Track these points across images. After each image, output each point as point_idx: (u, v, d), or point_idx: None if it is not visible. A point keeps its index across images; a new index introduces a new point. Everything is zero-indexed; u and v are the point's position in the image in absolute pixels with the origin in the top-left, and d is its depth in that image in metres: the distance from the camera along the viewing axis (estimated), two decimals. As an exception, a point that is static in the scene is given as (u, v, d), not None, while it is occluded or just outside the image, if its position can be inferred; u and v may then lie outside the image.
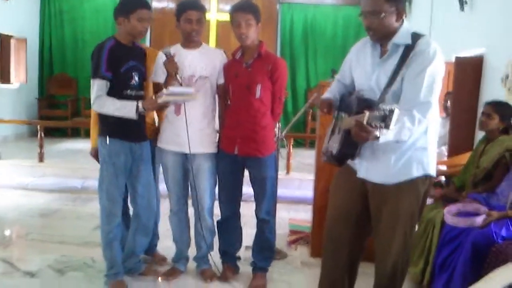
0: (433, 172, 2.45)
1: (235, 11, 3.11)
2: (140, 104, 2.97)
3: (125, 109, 2.98)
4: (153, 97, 3.00)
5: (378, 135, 2.08)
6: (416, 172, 2.38)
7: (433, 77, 2.27)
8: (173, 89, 2.97)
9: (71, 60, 9.93)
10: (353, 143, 2.36)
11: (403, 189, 2.39)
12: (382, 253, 2.51)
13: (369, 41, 2.47)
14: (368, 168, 2.45)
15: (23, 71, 9.16)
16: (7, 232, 4.45)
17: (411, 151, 2.36)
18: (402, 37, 2.33)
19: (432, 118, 2.32)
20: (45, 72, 9.96)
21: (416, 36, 2.33)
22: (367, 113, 2.01)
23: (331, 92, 2.68)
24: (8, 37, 8.80)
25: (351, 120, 2.20)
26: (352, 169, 2.55)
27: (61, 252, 3.87)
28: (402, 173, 2.38)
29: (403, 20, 2.36)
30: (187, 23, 3.15)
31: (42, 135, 6.59)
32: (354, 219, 2.58)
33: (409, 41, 2.31)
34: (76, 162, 6.66)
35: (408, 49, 2.30)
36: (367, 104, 2.28)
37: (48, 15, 9.86)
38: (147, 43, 9.25)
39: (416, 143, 2.35)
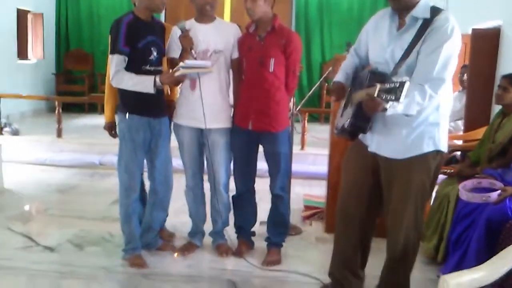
0: (444, 148, 2.45)
1: None
2: (157, 79, 2.99)
3: (143, 83, 3.00)
4: (170, 71, 3.01)
5: (386, 107, 2.08)
6: (427, 148, 2.39)
7: (449, 54, 2.25)
8: (189, 62, 2.97)
9: (87, 35, 9.96)
10: (365, 117, 2.37)
11: (414, 164, 2.40)
12: (394, 227, 2.53)
13: (387, 12, 2.45)
14: (380, 142, 2.47)
15: (40, 46, 9.22)
16: (26, 207, 4.54)
17: (422, 126, 2.36)
18: (421, 11, 2.31)
19: (445, 95, 2.32)
20: (62, 48, 10.02)
21: (435, 11, 2.31)
22: (378, 85, 2.01)
23: (344, 70, 2.67)
24: (25, 12, 8.84)
25: (362, 93, 2.21)
26: (364, 144, 2.57)
27: (79, 227, 3.95)
28: (413, 148, 2.39)
29: None
30: None
31: (60, 110, 6.64)
32: (366, 194, 2.61)
33: (427, 15, 2.29)
34: (94, 138, 6.72)
35: (426, 23, 2.28)
36: (378, 77, 2.28)
37: (64, -11, 9.86)
38: (162, 18, 9.23)
39: (428, 118, 2.35)
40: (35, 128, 7.55)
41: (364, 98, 2.17)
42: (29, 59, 9.09)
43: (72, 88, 9.79)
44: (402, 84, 1.92)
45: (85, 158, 6.19)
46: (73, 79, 10.06)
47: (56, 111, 6.66)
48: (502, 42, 4.87)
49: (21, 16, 8.73)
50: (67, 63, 9.99)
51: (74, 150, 6.48)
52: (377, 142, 2.48)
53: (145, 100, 3.05)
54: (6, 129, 6.87)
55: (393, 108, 2.09)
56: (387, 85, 1.97)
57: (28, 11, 8.91)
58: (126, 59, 3.01)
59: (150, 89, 3.00)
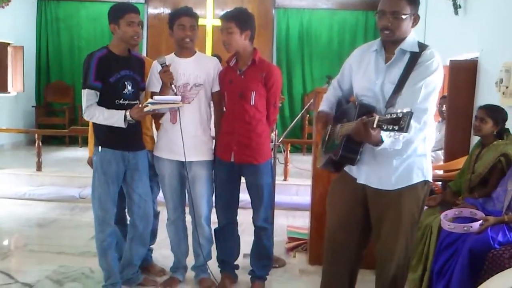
0: (430, 178, 2.50)
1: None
2: (127, 113, 2.99)
3: (113, 118, 3.01)
4: (139, 106, 3.01)
5: (383, 139, 2.11)
6: (416, 178, 2.43)
7: (433, 87, 2.31)
8: (158, 97, 3.01)
9: (67, 67, 9.91)
10: (354, 148, 2.38)
11: (404, 195, 2.43)
12: (385, 258, 2.54)
13: (372, 46, 2.50)
14: (369, 174, 2.48)
15: (20, 79, 9.14)
16: (5, 243, 4.44)
17: (412, 157, 2.41)
18: (409, 45, 2.37)
19: (430, 127, 2.38)
20: (42, 80, 9.95)
21: (422, 46, 2.38)
22: (377, 116, 2.01)
23: (327, 101, 2.70)
24: (5, 45, 8.79)
25: (355, 124, 2.20)
26: (350, 176, 2.57)
27: (59, 262, 3.86)
28: (404, 179, 2.42)
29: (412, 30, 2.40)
30: (181, 29, 3.17)
31: (40, 144, 6.56)
32: (355, 227, 2.60)
33: (416, 49, 2.36)
34: (74, 171, 6.65)
35: (415, 57, 2.34)
36: (368, 109, 2.31)
37: (44, 22, 9.85)
38: (143, 51, 9.28)
39: (416, 149, 2.40)
40: (14, 161, 7.44)
41: (356, 128, 2.16)
42: (9, 92, 9.01)
43: (53, 120, 9.70)
44: (407, 114, 1.91)
45: (65, 191, 6.10)
46: (53, 112, 9.98)
47: (36, 144, 6.58)
48: (479, 74, 4.98)
49: (1, 48, 8.68)
50: (47, 96, 9.91)
51: (54, 184, 6.38)
52: (366, 174, 2.49)
53: (118, 134, 3.05)
54: (-16, 162, 6.76)
55: (394, 138, 2.10)
56: (388, 116, 1.96)
57: (8, 44, 8.86)
58: (98, 93, 3.02)
59: (121, 124, 3.00)
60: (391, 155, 2.38)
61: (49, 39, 9.88)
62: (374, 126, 2.01)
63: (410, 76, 2.31)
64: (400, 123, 1.91)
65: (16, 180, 6.43)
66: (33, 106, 9.69)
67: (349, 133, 2.28)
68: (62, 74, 9.94)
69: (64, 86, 9.88)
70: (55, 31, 9.88)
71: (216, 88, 3.29)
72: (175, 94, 3.08)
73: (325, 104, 2.70)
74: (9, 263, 3.89)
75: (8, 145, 8.85)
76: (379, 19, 2.37)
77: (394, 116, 1.93)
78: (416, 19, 2.38)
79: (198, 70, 3.23)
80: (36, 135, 6.70)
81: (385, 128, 1.96)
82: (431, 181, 2.53)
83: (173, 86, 3.08)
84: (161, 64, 3.10)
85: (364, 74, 2.50)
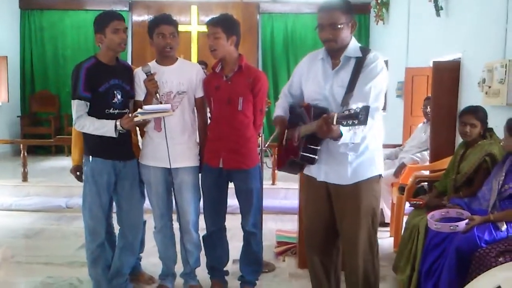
0: (382, 172, 2.69)
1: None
2: (118, 123, 2.98)
3: (104, 128, 3.00)
4: (130, 115, 3.00)
5: (341, 134, 2.27)
6: (370, 173, 2.61)
7: (380, 88, 2.50)
8: (147, 107, 3.00)
9: (52, 77, 9.87)
10: (313, 149, 2.52)
11: (361, 188, 2.60)
12: (350, 254, 2.68)
13: (318, 55, 2.68)
14: (327, 171, 2.64)
15: (4, 89, 9.06)
16: (-9, 255, 4.39)
17: (366, 153, 2.58)
18: (352, 51, 2.56)
19: (380, 125, 2.57)
20: (27, 90, 9.88)
21: (364, 50, 2.58)
22: (335, 114, 2.17)
23: (281, 108, 2.88)
24: (-11, 55, 8.73)
25: (313, 125, 2.36)
26: (310, 176, 2.73)
27: (47, 273, 3.83)
28: (359, 173, 2.59)
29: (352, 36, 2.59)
30: (161, 37, 3.16)
31: (25, 154, 6.51)
32: (327, 224, 2.74)
33: (359, 54, 2.54)
34: (61, 180, 6.59)
35: (360, 61, 2.51)
36: (321, 111, 2.45)
37: (28, 31, 9.81)
38: (128, 58, 9.25)
39: (369, 146, 2.57)
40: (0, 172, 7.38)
41: (320, 126, 2.26)
42: (-7, 103, 8.94)
43: (38, 130, 9.63)
44: (364, 108, 2.08)
45: (52, 201, 6.05)
46: (39, 121, 9.91)
47: (21, 155, 6.52)
48: (462, 74, 5.04)
49: (-15, 59, 8.62)
50: (32, 105, 9.85)
51: (40, 194, 6.32)
52: (325, 172, 2.65)
53: (108, 143, 3.04)
54: (-31, 174, 6.68)
55: (354, 132, 2.28)
56: (345, 112, 2.13)
57: (-8, 54, 8.81)
58: (88, 104, 3.01)
59: (112, 133, 2.99)
60: (345, 153, 2.54)
61: (33, 49, 9.83)
62: (334, 122, 2.15)
63: (359, 78, 2.48)
64: (359, 117, 2.07)
65: (2, 191, 6.35)
66: (18, 116, 9.61)
67: (310, 133, 2.42)
68: (47, 84, 9.90)
69: (49, 95, 9.83)
70: (39, 40, 9.84)
71: (199, 94, 3.28)
72: (160, 103, 3.07)
73: (280, 110, 2.87)
74: (-4, 276, 3.84)
75: (-7, 156, 8.76)
76: (320, 32, 2.55)
77: (352, 112, 2.09)
78: (354, 25, 2.56)
79: (180, 77, 3.22)
80: (21, 145, 6.66)
81: (344, 123, 2.13)
82: (383, 175, 2.72)
83: (157, 95, 3.07)
84: (146, 73, 3.09)
85: (313, 80, 2.66)
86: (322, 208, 2.73)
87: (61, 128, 9.57)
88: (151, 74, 3.09)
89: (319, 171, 2.66)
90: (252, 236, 3.34)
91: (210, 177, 3.28)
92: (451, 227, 2.89)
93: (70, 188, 6.07)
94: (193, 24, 9.45)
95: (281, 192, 6.21)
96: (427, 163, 4.81)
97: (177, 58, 3.29)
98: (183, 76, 3.22)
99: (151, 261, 3.77)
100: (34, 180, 6.68)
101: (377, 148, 2.64)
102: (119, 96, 3.09)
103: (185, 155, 3.25)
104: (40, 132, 9.50)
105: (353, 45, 2.57)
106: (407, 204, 4.14)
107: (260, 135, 3.83)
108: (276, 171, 6.35)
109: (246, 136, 3.21)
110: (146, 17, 9.57)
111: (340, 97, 2.49)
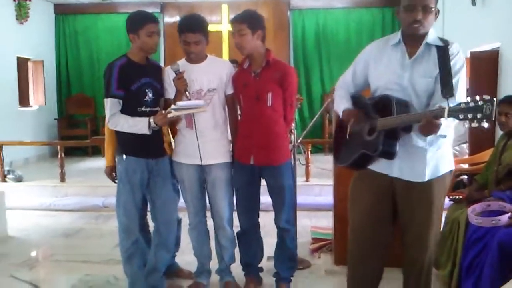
0: (453, 166, 2.61)
1: (231, 22, 3.17)
2: (151, 120, 2.99)
3: (138, 125, 3.01)
4: (163, 112, 3.01)
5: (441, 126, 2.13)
6: (445, 169, 2.52)
7: (464, 80, 2.41)
8: (181, 103, 2.99)
9: (87, 79, 10.07)
10: (392, 143, 2.38)
11: (434, 185, 2.49)
12: (418, 251, 2.57)
13: (390, 40, 2.53)
14: (402, 167, 2.48)
15: (41, 93, 9.31)
16: (32, 254, 4.49)
17: (442, 148, 2.47)
18: (432, 39, 2.43)
19: None
20: (63, 93, 10.13)
21: (443, 39, 2.44)
22: (446, 107, 2.05)
23: (346, 99, 2.67)
24: (25, 60, 8.97)
25: (401, 118, 2.26)
26: (375, 172, 2.55)
27: (85, 271, 3.89)
28: (435, 169, 2.48)
29: None
30: (185, 45, 3.15)
31: (63, 155, 6.67)
32: (382, 223, 2.60)
33: (439, 43, 2.41)
34: (97, 180, 6.68)
35: (445, 51, 2.38)
36: (407, 105, 2.36)
37: (63, 36, 10.05)
38: (161, 59, 9.34)
39: (445, 140, 2.45)
40: (38, 173, 7.54)
41: (427, 123, 2.14)
42: (31, 106, 9.16)
43: (75, 132, 9.84)
44: (489, 100, 1.94)
45: (89, 201, 6.17)
46: (75, 123, 10.13)
47: (59, 156, 6.66)
48: (501, 64, 4.89)
49: (21, 64, 8.85)
50: (69, 108, 10.07)
51: (77, 194, 6.46)
52: (399, 167, 2.48)
53: (141, 141, 3.05)
54: (9, 176, 6.86)
55: (446, 125, 2.17)
56: (462, 105, 1.99)
57: (28, 59, 9.03)
58: (121, 102, 3.03)
59: (145, 131, 3.00)
60: (424, 149, 2.42)
61: (68, 52, 10.06)
62: (445, 116, 2.05)
63: (451, 69, 2.34)
64: (483, 111, 1.93)
65: (41, 191, 6.53)
66: (55, 119, 9.84)
67: (397, 126, 2.30)
68: (83, 86, 10.10)
69: (85, 98, 10.03)
70: (74, 44, 10.06)
71: (230, 91, 3.27)
72: (189, 100, 3.06)
73: (345, 101, 2.65)
74: (36, 274, 3.92)
75: (32, 158, 9.00)
76: (409, 12, 2.38)
77: (473, 105, 1.96)
78: (437, 14, 2.43)
79: (210, 75, 3.21)
80: (59, 146, 6.81)
81: (461, 117, 2.00)
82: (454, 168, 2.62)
83: (187, 92, 3.07)
84: (174, 71, 3.08)
85: (387, 68, 2.50)
86: (381, 205, 2.56)
87: (97, 130, 9.74)
88: (180, 72, 3.08)
89: (392, 167, 2.48)
90: (286, 232, 3.31)
91: (242, 174, 3.26)
92: (493, 221, 2.79)
93: (107, 188, 6.10)
94: (224, 24, 9.46)
95: (315, 188, 6.16)
96: (466, 156, 4.69)
97: (206, 56, 3.28)
98: (212, 74, 3.21)
99: (185, 259, 3.78)
100: (71, 180, 6.82)
101: (451, 142, 2.58)
102: (150, 94, 3.10)
103: (217, 151, 3.24)
104: (77, 134, 9.69)
105: (433, 33, 2.44)
106: (446, 199, 4.02)
107: (292, 131, 3.79)
108: (310, 167, 6.31)
109: (275, 131, 3.17)
110: (177, 18, 9.62)
111: (421, 88, 2.39)
